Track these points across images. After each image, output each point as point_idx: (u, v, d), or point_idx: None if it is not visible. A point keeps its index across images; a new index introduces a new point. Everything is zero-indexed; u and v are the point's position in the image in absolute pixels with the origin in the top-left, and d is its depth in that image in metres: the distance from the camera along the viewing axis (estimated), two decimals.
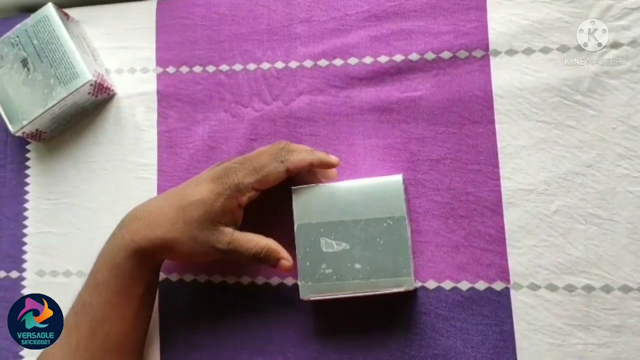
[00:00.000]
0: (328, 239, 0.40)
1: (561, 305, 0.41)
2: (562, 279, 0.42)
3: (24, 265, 0.50)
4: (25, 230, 0.51)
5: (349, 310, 0.44)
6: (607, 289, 0.41)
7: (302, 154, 0.41)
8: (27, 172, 0.52)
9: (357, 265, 0.40)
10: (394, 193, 0.40)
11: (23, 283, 0.50)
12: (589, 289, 0.41)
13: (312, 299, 0.40)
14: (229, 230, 0.40)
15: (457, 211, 0.44)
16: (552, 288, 0.42)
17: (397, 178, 0.41)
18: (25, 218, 0.51)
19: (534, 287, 0.42)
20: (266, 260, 0.41)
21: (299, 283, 0.41)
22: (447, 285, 0.43)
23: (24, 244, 0.51)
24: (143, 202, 0.43)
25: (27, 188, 0.52)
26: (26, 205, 0.51)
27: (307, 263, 0.41)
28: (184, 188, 0.42)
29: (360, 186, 0.41)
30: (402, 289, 0.39)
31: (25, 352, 0.49)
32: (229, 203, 0.40)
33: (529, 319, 0.42)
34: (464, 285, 0.43)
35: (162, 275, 0.47)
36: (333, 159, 0.42)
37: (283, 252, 0.41)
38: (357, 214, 0.40)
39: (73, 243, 0.50)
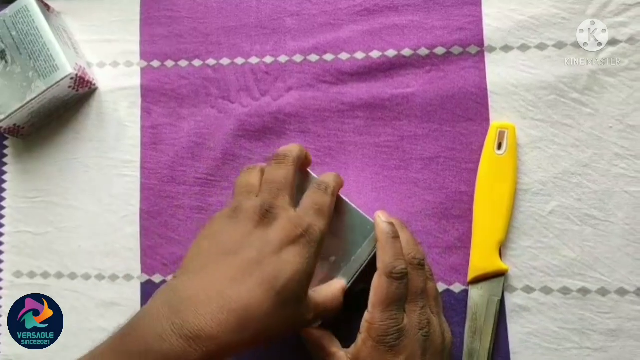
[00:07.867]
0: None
1: (556, 308, 0.40)
2: (557, 282, 0.41)
3: (0, 266, 0.48)
4: (1, 230, 0.49)
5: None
6: (603, 291, 0.40)
7: (336, 178, 0.39)
8: (5, 169, 0.50)
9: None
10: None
11: None
12: (584, 291, 0.40)
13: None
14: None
15: (451, 211, 0.42)
16: (546, 291, 0.41)
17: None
18: (2, 217, 0.49)
19: (529, 289, 0.41)
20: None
21: None
22: (440, 287, 0.42)
23: (1, 243, 0.49)
24: (188, 284, 0.31)
25: (4, 186, 0.50)
26: (3, 203, 0.49)
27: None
28: (258, 261, 0.32)
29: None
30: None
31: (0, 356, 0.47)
32: (317, 260, 0.34)
33: (523, 322, 0.41)
34: (457, 288, 0.42)
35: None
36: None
37: None
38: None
39: (52, 243, 0.48)
